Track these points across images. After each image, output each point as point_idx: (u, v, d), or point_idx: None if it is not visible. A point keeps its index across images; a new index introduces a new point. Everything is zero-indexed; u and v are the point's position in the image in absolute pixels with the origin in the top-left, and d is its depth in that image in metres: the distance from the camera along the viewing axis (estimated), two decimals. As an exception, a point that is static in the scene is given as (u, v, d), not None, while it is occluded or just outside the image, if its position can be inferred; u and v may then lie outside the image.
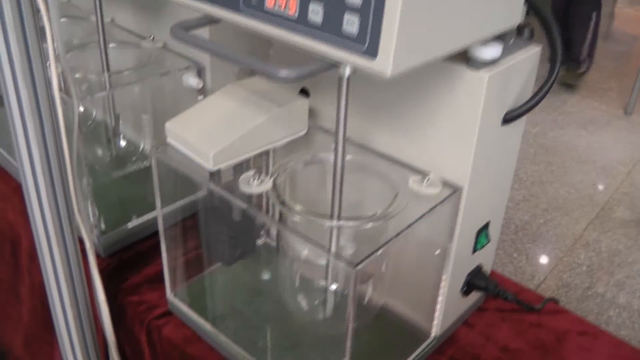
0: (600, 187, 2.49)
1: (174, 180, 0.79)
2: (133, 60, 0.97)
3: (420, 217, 0.64)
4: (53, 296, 0.86)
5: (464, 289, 0.81)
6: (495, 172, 0.76)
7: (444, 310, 0.80)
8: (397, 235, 0.61)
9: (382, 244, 0.59)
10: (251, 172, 0.67)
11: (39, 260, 0.83)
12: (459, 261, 0.77)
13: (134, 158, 1.01)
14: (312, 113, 0.79)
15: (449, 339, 0.85)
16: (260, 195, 0.68)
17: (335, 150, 0.62)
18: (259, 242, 0.95)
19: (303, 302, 0.79)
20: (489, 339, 0.85)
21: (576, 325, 0.89)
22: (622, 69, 3.50)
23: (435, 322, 0.80)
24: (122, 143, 1.01)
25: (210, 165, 0.68)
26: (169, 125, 0.73)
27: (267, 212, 0.77)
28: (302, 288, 0.79)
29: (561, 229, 2.24)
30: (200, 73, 0.93)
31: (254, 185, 0.66)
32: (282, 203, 0.65)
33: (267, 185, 0.66)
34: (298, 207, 0.66)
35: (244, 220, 0.79)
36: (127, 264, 0.95)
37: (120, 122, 1.00)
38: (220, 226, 0.79)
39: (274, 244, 0.95)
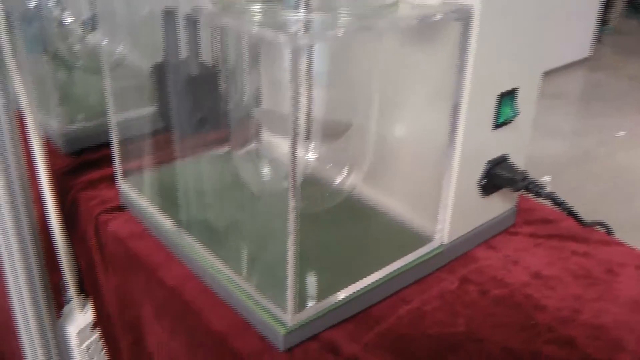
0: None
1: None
2: None
3: (415, 20, 0.47)
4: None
5: (483, 181, 0.62)
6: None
7: (453, 208, 0.61)
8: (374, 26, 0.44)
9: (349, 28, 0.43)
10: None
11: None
12: (474, 136, 0.59)
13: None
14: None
15: (463, 258, 0.66)
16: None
17: None
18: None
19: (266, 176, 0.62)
20: (517, 264, 0.66)
21: (635, 259, 0.68)
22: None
23: (440, 221, 0.62)
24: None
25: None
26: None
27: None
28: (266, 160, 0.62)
29: None
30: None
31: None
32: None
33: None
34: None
35: (203, 77, 0.64)
36: (91, 165, 0.82)
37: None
38: (175, 86, 0.64)
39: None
